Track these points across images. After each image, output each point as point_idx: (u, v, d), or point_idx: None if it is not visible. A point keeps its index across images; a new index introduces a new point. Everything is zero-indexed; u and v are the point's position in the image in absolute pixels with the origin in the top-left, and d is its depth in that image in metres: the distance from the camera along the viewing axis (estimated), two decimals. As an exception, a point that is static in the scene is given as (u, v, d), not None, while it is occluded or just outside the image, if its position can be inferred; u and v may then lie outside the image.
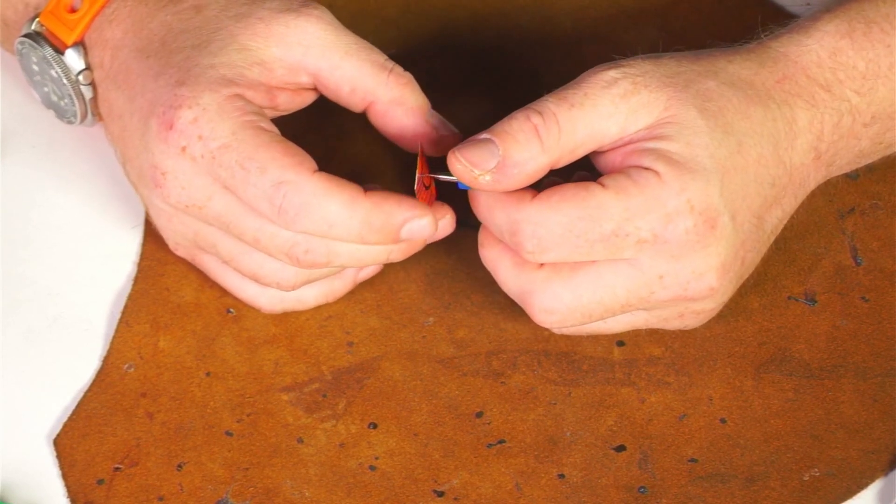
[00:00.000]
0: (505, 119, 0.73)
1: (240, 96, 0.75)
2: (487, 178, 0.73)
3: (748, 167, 0.73)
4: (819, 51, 0.76)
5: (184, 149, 0.74)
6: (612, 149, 0.74)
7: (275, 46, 0.76)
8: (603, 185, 0.72)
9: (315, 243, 0.75)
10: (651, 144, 0.72)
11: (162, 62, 0.76)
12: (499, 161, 0.72)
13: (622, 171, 0.72)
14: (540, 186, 0.74)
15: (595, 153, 0.75)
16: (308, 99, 0.79)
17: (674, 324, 0.77)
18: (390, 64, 0.77)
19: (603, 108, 0.73)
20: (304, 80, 0.77)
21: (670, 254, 0.72)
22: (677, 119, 0.73)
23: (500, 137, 0.73)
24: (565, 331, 0.77)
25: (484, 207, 0.74)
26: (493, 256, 0.76)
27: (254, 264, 0.77)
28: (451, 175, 0.74)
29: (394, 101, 0.77)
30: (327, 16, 0.77)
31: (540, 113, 0.73)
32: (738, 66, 0.75)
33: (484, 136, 0.73)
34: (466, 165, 0.73)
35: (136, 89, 0.77)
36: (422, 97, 0.78)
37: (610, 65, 0.74)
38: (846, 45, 0.77)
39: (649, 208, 0.71)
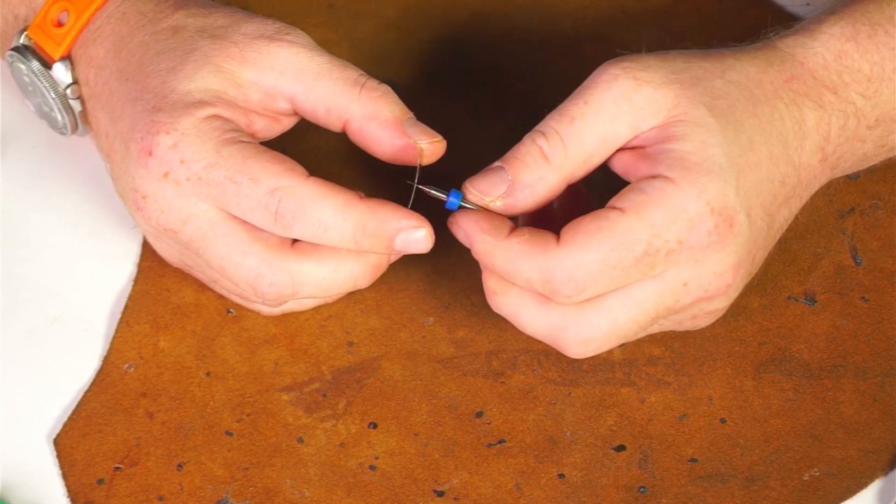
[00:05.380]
0: (514, 146, 0.73)
1: (217, 116, 0.74)
2: (498, 203, 0.73)
3: (760, 165, 0.73)
4: (825, 53, 0.76)
5: (166, 174, 0.73)
6: (626, 149, 0.73)
7: (249, 71, 0.75)
8: (620, 209, 0.71)
9: (279, 275, 0.74)
10: (665, 146, 0.72)
11: (139, 86, 0.76)
12: (508, 185, 0.73)
13: (633, 187, 0.72)
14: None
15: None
16: (287, 124, 0.78)
17: (686, 325, 0.76)
18: (363, 79, 0.76)
19: (606, 113, 0.72)
20: (282, 105, 0.76)
21: (693, 259, 0.72)
22: (688, 117, 0.72)
23: (509, 163, 0.73)
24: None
25: (506, 262, 0.72)
26: (511, 301, 0.74)
27: (235, 287, 0.77)
28: (440, 190, 0.74)
29: (367, 116, 0.75)
30: (302, 39, 0.76)
31: (543, 133, 0.73)
32: (746, 65, 0.75)
33: (496, 164, 0.73)
34: (477, 194, 0.73)
35: (117, 112, 0.77)
36: (398, 108, 0.75)
37: (615, 61, 0.74)
38: (851, 48, 0.77)
39: (672, 218, 0.71)
